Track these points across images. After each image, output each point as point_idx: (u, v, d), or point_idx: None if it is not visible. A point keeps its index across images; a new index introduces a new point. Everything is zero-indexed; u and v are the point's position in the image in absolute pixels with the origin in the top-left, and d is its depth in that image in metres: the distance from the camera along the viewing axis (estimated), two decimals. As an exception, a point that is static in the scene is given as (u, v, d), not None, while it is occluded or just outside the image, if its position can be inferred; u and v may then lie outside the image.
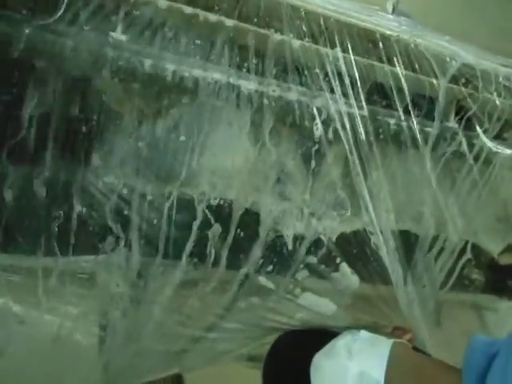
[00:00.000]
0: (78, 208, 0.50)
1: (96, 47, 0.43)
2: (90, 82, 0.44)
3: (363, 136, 0.55)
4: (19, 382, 0.57)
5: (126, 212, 0.52)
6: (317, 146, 0.54)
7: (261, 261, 0.55)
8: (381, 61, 0.57)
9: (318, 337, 0.62)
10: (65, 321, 0.56)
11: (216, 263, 0.54)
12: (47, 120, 0.44)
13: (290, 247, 0.56)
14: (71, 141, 0.47)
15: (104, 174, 0.51)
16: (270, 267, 0.56)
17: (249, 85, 0.49)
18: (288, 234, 0.56)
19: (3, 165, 0.45)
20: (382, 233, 0.58)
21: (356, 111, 0.54)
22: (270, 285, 0.57)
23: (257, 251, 0.55)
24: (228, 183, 0.56)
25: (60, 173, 0.47)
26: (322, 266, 0.58)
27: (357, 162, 0.54)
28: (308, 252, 0.57)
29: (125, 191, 0.52)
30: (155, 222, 0.53)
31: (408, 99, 0.58)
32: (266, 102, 0.50)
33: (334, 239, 0.57)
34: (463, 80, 0.62)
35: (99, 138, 0.48)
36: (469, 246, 0.68)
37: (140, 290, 0.54)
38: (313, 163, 0.56)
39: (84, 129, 0.47)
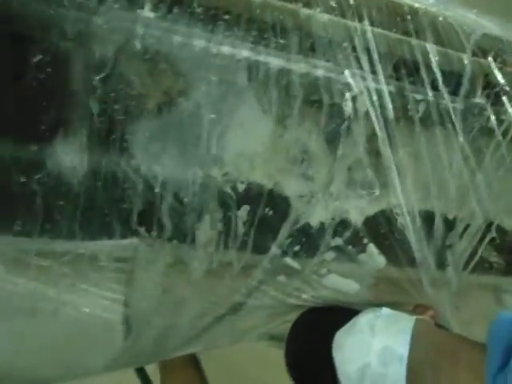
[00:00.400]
0: (105, 192, 0.49)
1: (124, 25, 0.42)
2: (118, 60, 0.43)
3: (391, 113, 0.53)
4: (42, 359, 0.58)
5: (152, 195, 0.51)
6: (343, 124, 0.53)
7: (288, 241, 0.55)
8: (409, 35, 0.55)
9: (338, 314, 0.62)
10: (90, 302, 0.56)
11: (243, 244, 0.54)
12: (76, 100, 0.44)
13: (317, 228, 0.56)
14: (98, 122, 0.46)
15: (130, 156, 0.50)
16: (298, 247, 0.56)
17: (277, 62, 0.48)
18: (315, 215, 0.56)
19: (39, 149, 0.44)
20: (408, 212, 0.58)
21: (384, 87, 0.52)
22: (296, 265, 0.57)
23: (284, 232, 0.55)
24: (251, 164, 0.56)
25: (90, 156, 0.47)
26: (350, 247, 0.58)
27: (385, 139, 0.53)
28: (335, 233, 0.57)
29: (150, 174, 0.51)
30: (181, 204, 0.52)
31: (435, 74, 0.57)
32: (293, 79, 0.49)
33: (362, 219, 0.57)
34: (492, 54, 0.60)
35: (125, 118, 0.47)
36: (493, 227, 0.67)
37: (166, 272, 0.54)
38: (339, 142, 0.55)
39: (111, 109, 0.46)
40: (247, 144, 0.55)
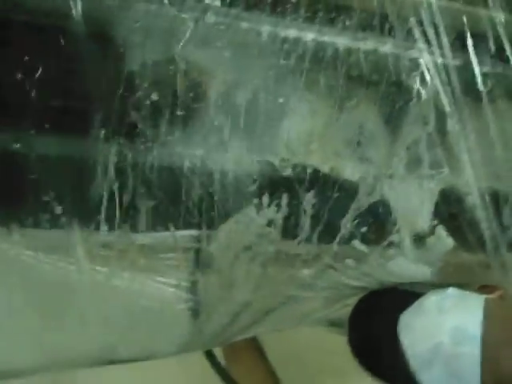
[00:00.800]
0: (167, 184, 0.51)
1: (194, 15, 0.42)
2: (186, 50, 0.44)
3: (459, 87, 0.51)
4: (114, 346, 0.61)
5: (214, 184, 0.52)
6: (410, 102, 0.52)
7: (355, 223, 0.55)
8: (475, 4, 0.52)
9: (401, 297, 0.61)
10: (156, 290, 0.58)
11: (310, 229, 0.54)
12: (143, 95, 0.45)
13: (383, 209, 0.55)
14: (162, 114, 0.47)
15: (192, 146, 0.51)
16: (365, 229, 0.55)
17: (342, 41, 0.47)
18: (380, 196, 0.55)
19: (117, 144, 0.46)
20: (478, 190, 0.56)
21: (451, 61, 0.50)
22: (364, 248, 0.56)
23: (350, 214, 0.54)
24: (308, 148, 0.55)
25: (157, 148, 0.48)
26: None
27: (454, 115, 0.51)
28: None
29: (211, 164, 0.52)
30: (245, 192, 0.53)
31: (503, 45, 0.54)
32: (359, 57, 0.48)
33: (430, 200, 0.55)
34: None
35: (188, 108, 0.48)
36: None
37: (235, 259, 0.55)
38: (402, 121, 0.54)
39: (177, 100, 0.47)
40: (304, 128, 0.54)
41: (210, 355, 0.82)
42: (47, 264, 0.53)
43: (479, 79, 0.54)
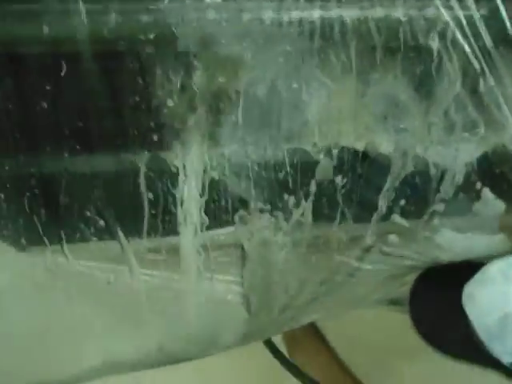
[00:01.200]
0: (206, 183, 0.52)
1: (197, 16, 0.43)
2: (198, 53, 0.44)
3: (488, 40, 0.48)
4: (174, 346, 0.63)
5: (249, 178, 0.53)
6: (434, 64, 0.49)
7: (392, 196, 0.53)
8: None
9: (462, 267, 0.58)
10: (210, 286, 0.60)
11: (347, 209, 0.53)
12: (161, 103, 0.46)
13: (421, 179, 0.53)
14: (183, 115, 0.48)
15: (219, 146, 0.52)
16: (403, 202, 0.54)
17: (350, 13, 0.45)
18: (416, 166, 0.53)
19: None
20: (525, 145, 0.51)
21: (475, 12, 0.47)
22: (405, 222, 0.54)
23: (386, 188, 0.53)
24: (339, 128, 0.54)
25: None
26: (461, 195, 0.54)
27: (485, 70, 0.48)
28: (442, 181, 0.53)
29: (240, 159, 0.53)
30: (278, 183, 0.53)
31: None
32: (370, 27, 0.46)
33: (470, 163, 0.52)
34: None
35: (210, 108, 0.49)
36: None
37: (278, 251, 0.55)
38: (431, 85, 0.51)
39: (196, 102, 0.48)
40: (331, 109, 0.53)
41: (271, 346, 0.84)
42: (101, 272, 0.56)
43: (510, 26, 0.49)
